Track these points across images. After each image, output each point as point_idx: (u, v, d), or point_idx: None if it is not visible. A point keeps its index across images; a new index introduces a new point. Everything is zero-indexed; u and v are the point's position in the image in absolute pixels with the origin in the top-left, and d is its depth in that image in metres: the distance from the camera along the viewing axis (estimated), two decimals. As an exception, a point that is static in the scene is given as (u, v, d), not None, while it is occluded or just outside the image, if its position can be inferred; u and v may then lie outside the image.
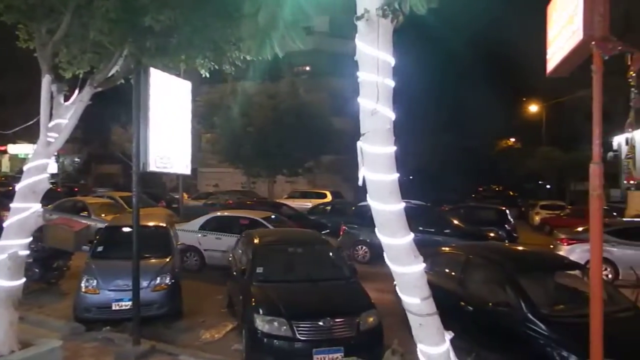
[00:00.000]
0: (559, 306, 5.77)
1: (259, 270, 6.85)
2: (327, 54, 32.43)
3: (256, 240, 7.63)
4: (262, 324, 5.83)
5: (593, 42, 3.65)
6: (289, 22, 3.72)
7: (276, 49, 4.03)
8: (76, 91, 5.54)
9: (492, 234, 14.04)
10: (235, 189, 31.98)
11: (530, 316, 5.32)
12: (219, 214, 13.20)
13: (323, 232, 13.87)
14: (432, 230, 13.08)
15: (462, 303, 6.32)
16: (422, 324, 2.83)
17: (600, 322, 3.80)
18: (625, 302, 5.77)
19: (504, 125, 54.67)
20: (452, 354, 2.95)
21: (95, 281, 7.32)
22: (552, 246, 12.96)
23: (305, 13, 3.84)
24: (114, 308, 7.24)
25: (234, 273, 7.81)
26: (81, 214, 14.81)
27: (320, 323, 5.80)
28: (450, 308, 6.39)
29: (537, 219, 25.47)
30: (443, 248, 7.88)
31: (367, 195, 2.99)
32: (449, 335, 3.06)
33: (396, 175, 2.81)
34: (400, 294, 2.93)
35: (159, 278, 7.57)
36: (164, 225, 9.19)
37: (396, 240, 2.83)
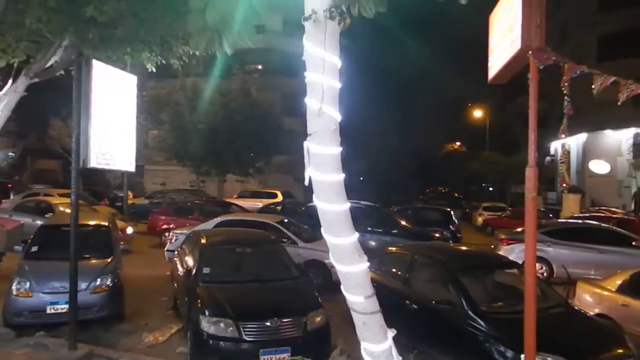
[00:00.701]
0: (498, 303, 6.02)
1: (206, 270, 6.72)
2: (279, 53, 32.32)
3: (203, 240, 7.49)
4: (207, 325, 5.72)
5: (530, 52, 3.85)
6: (238, 19, 3.68)
7: (225, 46, 3.97)
8: (10, 81, 5.22)
9: (437, 234, 14.47)
10: (184, 187, 31.24)
11: (471, 313, 5.51)
12: (231, 217, 12.51)
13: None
14: (380, 230, 13.33)
15: (407, 301, 6.47)
16: (365, 322, 2.88)
17: (533, 318, 4.00)
18: (557, 298, 6.10)
19: (451, 129, 56.69)
20: (394, 351, 3.01)
21: (28, 283, 6.90)
22: (493, 246, 13.55)
23: (255, 11, 3.81)
24: (48, 312, 6.85)
25: (180, 274, 7.62)
26: (46, 215, 13.22)
27: (268, 323, 5.77)
28: (396, 306, 6.57)
29: (480, 220, 26.54)
30: (390, 248, 8.05)
31: (313, 195, 3.00)
32: (391, 333, 3.12)
33: (342, 176, 2.84)
34: (344, 293, 2.96)
35: (99, 279, 7.25)
36: (106, 224, 8.82)
37: (341, 240, 2.86)
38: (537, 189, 4.05)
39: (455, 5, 3.14)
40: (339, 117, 2.80)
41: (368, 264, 2.92)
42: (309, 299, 6.46)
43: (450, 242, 14.59)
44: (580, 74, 3.83)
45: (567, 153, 4.45)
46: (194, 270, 6.76)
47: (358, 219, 12.13)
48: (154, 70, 6.25)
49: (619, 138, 31.13)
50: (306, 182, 2.94)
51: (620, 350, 5.09)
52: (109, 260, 7.75)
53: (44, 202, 14.73)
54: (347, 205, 2.85)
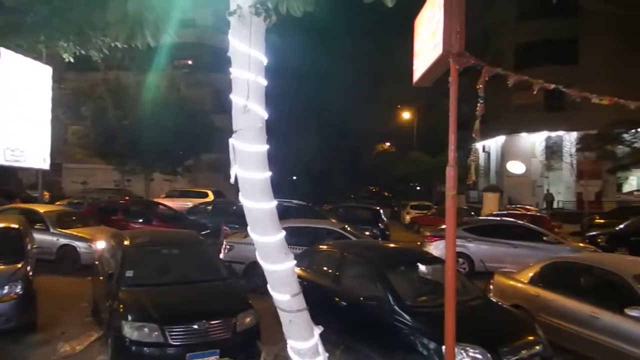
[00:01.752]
0: (422, 297, 6.26)
1: (129, 273, 6.41)
2: (210, 49, 31.56)
3: (126, 242, 7.14)
4: (130, 331, 5.45)
5: (450, 57, 4.04)
6: (161, 11, 3.53)
7: (148, 39, 3.79)
8: None
9: (367, 232, 14.82)
10: (108, 187, 29.61)
11: (396, 308, 5.69)
12: (288, 224, 11.56)
13: (203, 232, 13.48)
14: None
15: (337, 299, 6.56)
16: (292, 320, 2.87)
17: (453, 310, 4.20)
18: (476, 291, 6.46)
19: (382, 130, 58.32)
20: (320, 348, 3.03)
21: None
22: (419, 243, 14.10)
23: (180, 3, 3.68)
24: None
25: (101, 278, 7.22)
26: (35, 226, 11.19)
27: (195, 326, 5.61)
28: (326, 304, 6.65)
29: (407, 218, 27.56)
30: (320, 246, 8.12)
31: (239, 193, 2.96)
32: (318, 330, 3.14)
33: (268, 174, 2.81)
34: (271, 291, 2.94)
35: (6, 287, 6.67)
36: (16, 226, 8.15)
37: (267, 238, 2.83)
38: (457, 187, 4.25)
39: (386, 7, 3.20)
40: (265, 115, 2.77)
41: (295, 262, 2.92)
42: (238, 299, 6.37)
43: (379, 239, 15.01)
44: (496, 75, 4.07)
45: (476, 152, 4.75)
46: (116, 274, 6.42)
47: (291, 218, 12.07)
48: (72, 61, 5.85)
49: (533, 140, 33.59)
50: (232, 180, 2.89)
51: (531, 338, 5.48)
52: (19, 265, 7.16)
53: (31, 210, 12.01)
54: (274, 203, 2.83)
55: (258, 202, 2.77)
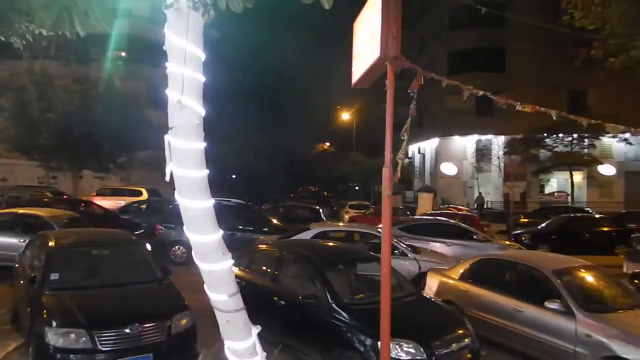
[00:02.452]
0: (359, 295, 6.39)
1: (54, 276, 6.02)
2: (146, 41, 30.29)
3: (51, 243, 6.70)
4: (55, 337, 5.12)
5: (387, 60, 4.15)
6: (91, -2, 3.34)
7: (77, 27, 3.58)
8: None
9: (307, 232, 14.88)
10: (31, 184, 27.67)
11: (334, 306, 5.77)
12: (327, 227, 10.68)
13: (136, 232, 12.96)
14: (251, 228, 13.31)
15: (276, 298, 6.54)
16: (229, 321, 2.83)
17: (388, 307, 4.31)
18: (410, 288, 6.67)
19: (322, 130, 58.76)
20: (258, 348, 3.01)
21: None
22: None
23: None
24: None
25: (21, 282, 6.73)
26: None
27: (127, 330, 5.37)
28: (265, 304, 6.61)
29: (346, 217, 27.96)
30: (259, 245, 8.06)
31: (175, 191, 2.87)
32: (256, 330, 3.11)
33: (205, 172, 2.75)
34: (207, 292, 2.88)
35: None
36: None
37: (204, 238, 2.77)
38: (392, 187, 4.38)
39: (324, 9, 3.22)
40: (202, 112, 2.71)
41: (232, 261, 2.88)
42: (173, 301, 6.17)
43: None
44: (431, 79, 4.24)
45: (405, 152, 4.98)
46: (39, 277, 6.01)
47: (229, 217, 11.92)
48: (-10, 48, 5.41)
49: (465, 143, 35.29)
50: (167, 178, 2.79)
51: (460, 331, 5.74)
52: None
53: (34, 216, 10.95)
54: (211, 202, 2.78)
55: (195, 201, 2.70)
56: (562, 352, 5.99)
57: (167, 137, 2.74)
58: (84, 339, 5.15)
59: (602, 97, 31.04)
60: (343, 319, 5.66)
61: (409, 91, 4.39)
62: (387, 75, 4.25)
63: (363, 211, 27.28)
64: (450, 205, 26.92)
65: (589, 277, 6.92)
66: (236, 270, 7.34)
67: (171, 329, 5.65)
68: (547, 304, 6.13)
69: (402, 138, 4.52)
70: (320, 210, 18.38)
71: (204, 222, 2.77)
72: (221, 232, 2.87)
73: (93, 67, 25.66)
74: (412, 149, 44.55)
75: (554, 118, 3.65)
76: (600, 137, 28.81)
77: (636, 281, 8.41)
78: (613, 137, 28.21)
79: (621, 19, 5.09)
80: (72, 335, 5.15)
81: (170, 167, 2.73)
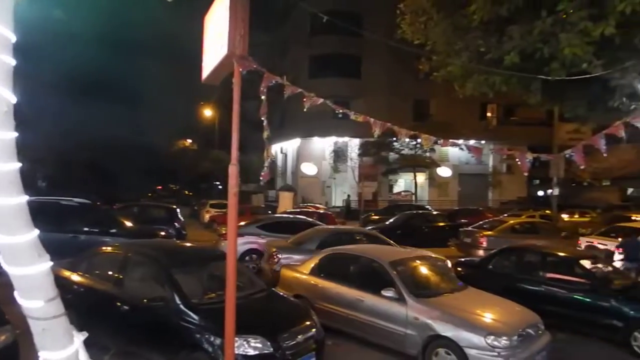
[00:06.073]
0: (210, 295, 6.29)
1: None
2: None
3: None
4: None
5: (234, 58, 4.17)
6: None
7: None
8: None
9: (162, 233, 14.21)
10: None
11: (182, 307, 5.61)
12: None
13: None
14: (97, 230, 12.24)
15: (119, 303, 6.14)
16: (45, 329, 2.57)
17: (233, 304, 4.32)
18: (261, 285, 6.78)
19: (184, 126, 56.50)
20: (82, 355, 2.78)
21: None
22: (215, 241, 14.13)
23: None
24: None
25: None
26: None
27: None
28: (105, 310, 6.16)
29: (207, 217, 27.29)
30: (102, 248, 7.47)
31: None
32: (81, 336, 2.88)
33: (15, 165, 2.45)
34: (19, 299, 2.58)
35: None
36: None
37: (16, 239, 2.47)
38: (239, 184, 4.42)
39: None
40: (12, 98, 2.42)
41: (51, 263, 2.62)
42: (-8, 315, 5.40)
43: (175, 239, 14.55)
44: (276, 84, 4.38)
45: (269, 152, 5.10)
46: None
47: (71, 218, 10.83)
48: None
49: (324, 145, 36.94)
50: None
51: (307, 323, 6.00)
52: None
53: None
54: (23, 198, 2.48)
55: (3, 197, 2.41)
56: (395, 335, 6.64)
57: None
58: None
59: (441, 106, 35.04)
60: (192, 320, 5.54)
61: (259, 93, 4.47)
62: (234, 74, 4.26)
63: (224, 210, 26.81)
64: (309, 204, 27.95)
65: (420, 267, 7.76)
66: (74, 275, 6.73)
67: (-12, 346, 4.95)
68: (383, 292, 6.74)
69: (265, 139, 4.58)
70: (178, 210, 17.65)
71: (14, 220, 2.47)
72: (36, 231, 2.59)
73: None
74: (275, 148, 45.29)
75: (375, 135, 4.05)
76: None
77: (459, 268, 9.69)
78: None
79: (441, 37, 5.82)
80: None
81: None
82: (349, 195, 34.30)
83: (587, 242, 14.49)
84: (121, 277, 6.43)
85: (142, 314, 5.93)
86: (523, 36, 4.64)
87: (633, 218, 18.33)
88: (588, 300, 7.96)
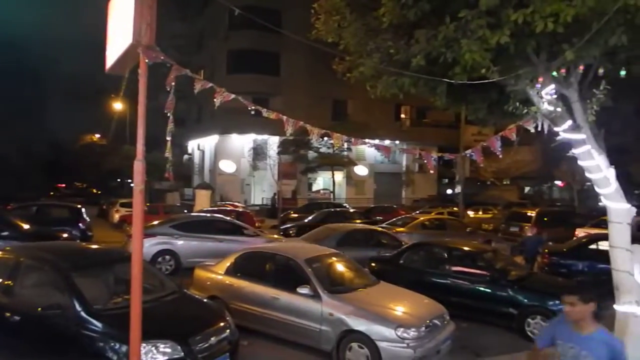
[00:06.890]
0: (116, 300, 5.90)
1: None
2: None
3: None
4: None
5: (139, 48, 3.93)
6: None
7: None
8: None
9: (64, 235, 13.16)
10: None
11: (83, 314, 5.22)
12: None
13: None
14: (-14, 233, 11.08)
15: (8, 313, 5.57)
16: None
17: (139, 309, 4.10)
18: (172, 287, 6.48)
19: (91, 120, 52.90)
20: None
21: None
22: (124, 242, 13.33)
23: None
24: None
25: None
26: None
27: None
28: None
29: (116, 216, 25.72)
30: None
31: None
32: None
33: None
34: None
35: None
36: None
37: None
38: (148, 182, 4.18)
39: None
40: None
41: None
42: None
43: (79, 241, 13.54)
44: (209, 74, 4.20)
45: (169, 147, 4.86)
46: None
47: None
48: None
49: (243, 142, 36.36)
50: None
51: (221, 324, 5.83)
52: None
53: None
54: None
55: None
56: (310, 332, 6.68)
57: None
58: None
59: (358, 106, 35.98)
60: (94, 327, 5.17)
61: (166, 85, 4.26)
62: (140, 64, 4.02)
63: (136, 209, 25.54)
64: (228, 203, 27.41)
65: (335, 264, 7.87)
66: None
67: None
68: (299, 289, 6.75)
69: (167, 138, 4.37)
70: (83, 210, 16.44)
71: None
72: None
73: None
74: (192, 145, 43.80)
75: (287, 133, 4.04)
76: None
77: (373, 264, 9.98)
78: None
79: (353, 37, 5.94)
80: None
81: None
82: (274, 194, 34.09)
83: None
84: (11, 284, 5.83)
85: (36, 324, 5.43)
86: (429, 40, 4.86)
87: (528, 214, 20.02)
88: (488, 290, 8.55)
